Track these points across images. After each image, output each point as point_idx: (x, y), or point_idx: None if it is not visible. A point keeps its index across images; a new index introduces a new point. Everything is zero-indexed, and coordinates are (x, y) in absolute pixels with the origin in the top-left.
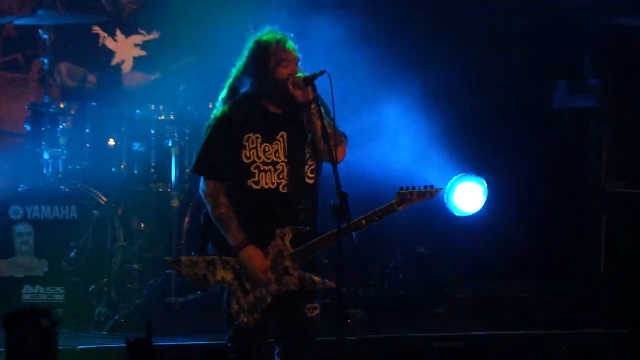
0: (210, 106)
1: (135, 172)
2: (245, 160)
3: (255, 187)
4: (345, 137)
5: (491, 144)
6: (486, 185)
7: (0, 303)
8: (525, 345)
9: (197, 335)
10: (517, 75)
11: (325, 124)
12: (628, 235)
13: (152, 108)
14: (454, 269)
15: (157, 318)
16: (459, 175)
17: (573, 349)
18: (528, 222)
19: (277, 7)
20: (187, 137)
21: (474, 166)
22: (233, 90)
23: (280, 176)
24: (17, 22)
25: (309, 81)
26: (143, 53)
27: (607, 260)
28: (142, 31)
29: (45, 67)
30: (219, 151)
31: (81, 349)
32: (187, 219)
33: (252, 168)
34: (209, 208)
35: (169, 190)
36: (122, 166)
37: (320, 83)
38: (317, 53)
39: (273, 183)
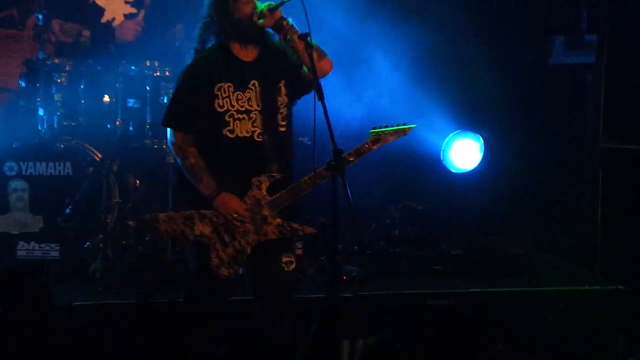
0: None
1: (131, 128)
2: (218, 109)
3: (230, 136)
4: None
5: (488, 100)
6: (483, 141)
7: None
8: (521, 301)
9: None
10: (514, 31)
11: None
12: (624, 191)
13: (147, 64)
14: (450, 226)
15: (153, 275)
16: (455, 132)
17: (569, 305)
18: (524, 179)
19: None
20: None
21: (470, 123)
22: (202, 43)
23: (255, 125)
24: None
25: (275, 8)
26: (134, 10)
27: (603, 216)
28: None
29: (40, 23)
30: (187, 103)
31: (77, 305)
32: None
33: (226, 117)
34: (178, 160)
35: (164, 147)
36: (117, 123)
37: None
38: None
39: (247, 132)
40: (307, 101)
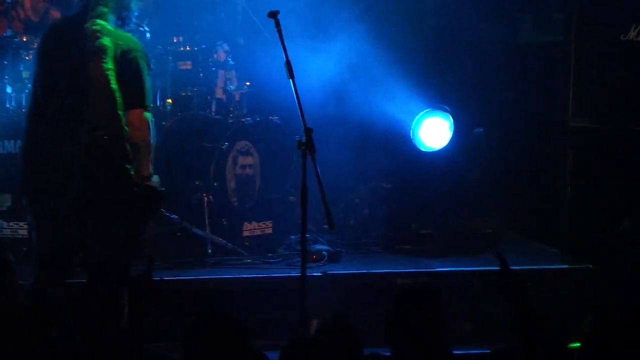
0: (175, 40)
1: None
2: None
3: None
4: None
5: (457, 78)
6: (452, 120)
7: None
8: (488, 281)
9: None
10: (483, 9)
11: None
12: (594, 171)
13: None
14: (419, 205)
15: None
16: (425, 111)
17: (537, 285)
18: (494, 158)
19: None
20: (151, 72)
21: (440, 101)
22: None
23: None
24: None
25: None
26: None
27: (572, 195)
28: None
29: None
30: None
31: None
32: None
33: None
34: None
35: None
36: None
37: None
38: None
39: None
40: (276, 81)
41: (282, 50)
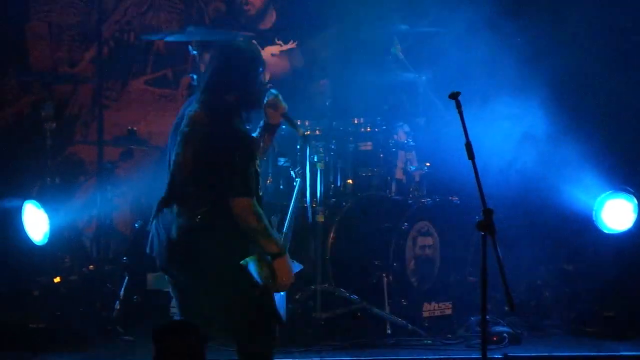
0: (356, 121)
1: (281, 187)
2: (258, 169)
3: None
4: None
5: None
6: (637, 202)
7: None
8: None
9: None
10: None
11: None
12: None
13: (298, 123)
14: (602, 287)
15: (301, 333)
16: (608, 192)
17: None
18: None
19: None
20: (332, 153)
21: (623, 182)
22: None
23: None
24: (168, 39)
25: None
26: (284, 63)
27: None
28: (279, 42)
29: (194, 82)
30: (250, 168)
31: None
32: (332, 235)
33: (259, 178)
34: (253, 222)
35: (314, 205)
36: (268, 181)
37: None
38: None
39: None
40: (455, 161)
41: (463, 131)
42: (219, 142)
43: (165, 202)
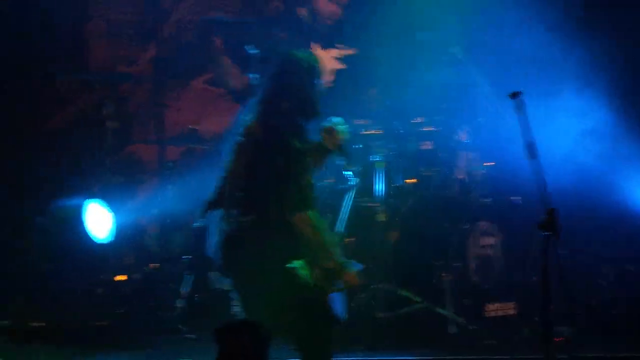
0: (416, 121)
1: (336, 185)
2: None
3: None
4: None
5: None
6: None
7: None
8: None
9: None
10: None
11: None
12: None
13: (359, 123)
14: None
15: (363, 332)
16: None
17: None
18: None
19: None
20: (392, 152)
21: None
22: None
23: None
24: (227, 20)
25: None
26: (343, 66)
27: None
28: (340, 45)
29: (254, 82)
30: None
31: None
32: (393, 234)
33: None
34: (309, 234)
35: (375, 204)
36: (323, 180)
37: None
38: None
39: None
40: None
41: (524, 131)
42: (273, 155)
43: (212, 205)
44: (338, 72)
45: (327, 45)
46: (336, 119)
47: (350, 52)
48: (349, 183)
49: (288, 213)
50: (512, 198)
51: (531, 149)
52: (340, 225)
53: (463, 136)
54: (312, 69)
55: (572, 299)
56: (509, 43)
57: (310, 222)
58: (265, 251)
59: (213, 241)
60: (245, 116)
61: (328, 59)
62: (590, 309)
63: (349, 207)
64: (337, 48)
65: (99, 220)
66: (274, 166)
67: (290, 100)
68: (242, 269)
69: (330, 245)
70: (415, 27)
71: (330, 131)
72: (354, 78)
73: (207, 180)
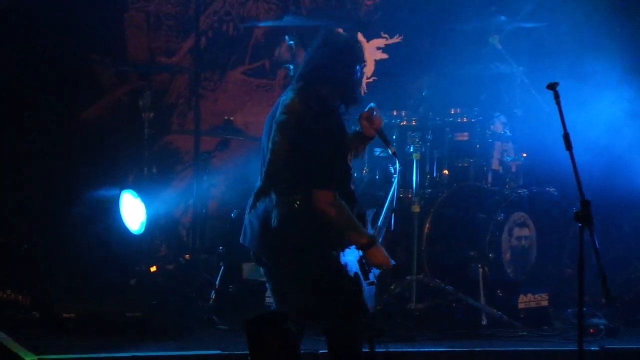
0: (453, 112)
1: (377, 177)
2: (349, 163)
3: (351, 189)
4: None
5: None
6: None
7: None
8: None
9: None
10: None
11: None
12: None
13: (394, 114)
14: None
15: (396, 323)
16: None
17: None
18: None
19: None
20: (428, 143)
21: None
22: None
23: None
24: (265, 24)
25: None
26: (385, 56)
27: None
28: (385, 35)
29: (291, 73)
30: (340, 161)
31: (322, 353)
32: (427, 225)
33: (350, 171)
34: (332, 213)
35: (410, 195)
36: (364, 171)
37: None
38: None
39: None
40: (553, 152)
41: (561, 122)
42: (311, 130)
43: (263, 192)
44: (378, 63)
45: (370, 36)
46: (371, 104)
47: (396, 40)
48: (392, 179)
49: (312, 191)
50: (547, 189)
51: (567, 140)
52: (382, 222)
53: (499, 127)
54: (353, 52)
55: (607, 291)
56: (548, 35)
57: (333, 201)
58: (306, 234)
59: (249, 230)
60: (285, 95)
61: (371, 50)
62: (623, 302)
63: (389, 205)
64: (381, 37)
65: (133, 211)
66: (311, 144)
67: (329, 82)
68: (280, 253)
69: (358, 224)
70: (454, 17)
71: (370, 116)
72: (392, 69)
73: (242, 171)
